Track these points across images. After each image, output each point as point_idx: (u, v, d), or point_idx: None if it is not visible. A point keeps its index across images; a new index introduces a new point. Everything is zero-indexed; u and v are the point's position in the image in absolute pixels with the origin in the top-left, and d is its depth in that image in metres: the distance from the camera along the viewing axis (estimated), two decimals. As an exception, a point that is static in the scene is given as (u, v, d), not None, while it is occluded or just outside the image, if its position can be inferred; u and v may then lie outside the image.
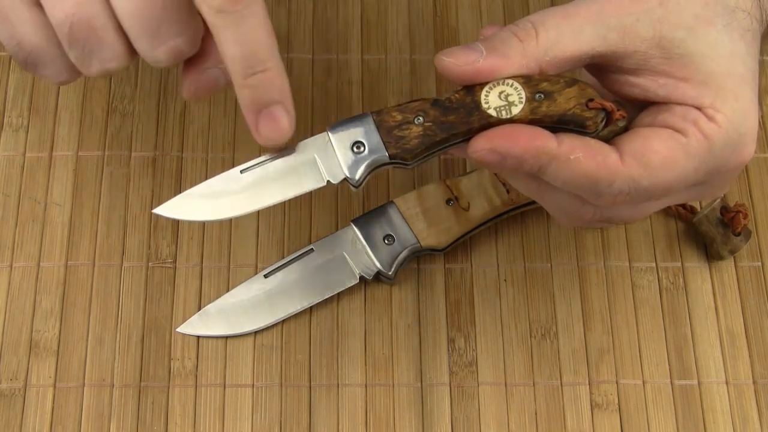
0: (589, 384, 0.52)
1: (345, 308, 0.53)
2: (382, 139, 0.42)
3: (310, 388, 0.52)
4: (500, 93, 0.40)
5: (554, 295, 0.54)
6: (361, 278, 0.52)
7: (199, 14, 0.40)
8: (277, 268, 0.53)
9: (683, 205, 0.55)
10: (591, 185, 0.40)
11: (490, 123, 0.40)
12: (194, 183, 0.55)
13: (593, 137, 0.40)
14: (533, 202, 0.54)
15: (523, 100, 0.40)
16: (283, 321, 0.53)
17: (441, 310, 0.53)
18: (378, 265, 0.52)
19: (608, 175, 0.39)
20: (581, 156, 0.39)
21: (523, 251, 0.55)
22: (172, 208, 0.45)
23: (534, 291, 0.54)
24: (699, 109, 0.40)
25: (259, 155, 0.44)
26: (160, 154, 0.56)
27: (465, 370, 0.52)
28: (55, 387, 0.51)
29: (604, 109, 0.40)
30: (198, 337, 0.52)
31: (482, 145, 0.40)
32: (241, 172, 0.45)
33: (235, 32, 0.39)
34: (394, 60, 0.59)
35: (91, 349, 0.52)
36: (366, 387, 0.52)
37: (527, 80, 0.40)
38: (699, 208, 0.55)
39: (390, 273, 0.52)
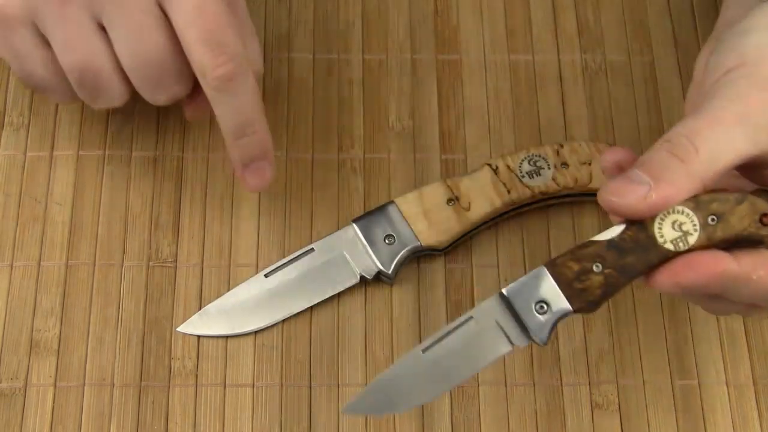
0: (590, 384, 0.52)
1: (345, 308, 0.53)
2: (563, 293, 0.40)
3: (310, 387, 0.52)
4: (673, 223, 0.39)
5: (554, 295, 0.54)
6: (362, 278, 0.52)
7: None
8: (277, 267, 0.53)
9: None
10: None
11: (668, 257, 0.39)
12: (194, 183, 0.55)
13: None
14: (534, 202, 0.54)
15: (698, 227, 0.38)
16: (284, 321, 0.53)
17: (441, 310, 0.53)
18: (378, 264, 0.52)
19: None
20: (762, 273, 0.38)
21: (524, 251, 0.55)
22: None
23: (534, 291, 0.54)
24: None
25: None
26: (160, 154, 0.56)
27: (465, 370, 0.52)
28: (55, 386, 0.51)
29: None
30: (198, 336, 0.52)
31: (666, 281, 0.39)
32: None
33: (228, 104, 0.47)
34: (394, 60, 0.59)
35: (91, 349, 0.52)
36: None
37: (697, 204, 0.39)
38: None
39: (390, 273, 0.52)
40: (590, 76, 0.59)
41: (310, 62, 0.59)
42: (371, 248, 0.52)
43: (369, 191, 0.56)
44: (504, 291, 0.41)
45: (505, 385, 0.52)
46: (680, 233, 0.39)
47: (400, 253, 0.52)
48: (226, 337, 0.52)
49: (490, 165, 0.54)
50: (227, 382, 0.51)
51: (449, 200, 0.53)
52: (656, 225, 0.39)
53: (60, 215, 0.54)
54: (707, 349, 0.53)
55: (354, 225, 0.53)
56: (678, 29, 0.61)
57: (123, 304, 0.53)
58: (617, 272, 0.40)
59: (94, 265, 0.54)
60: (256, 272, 0.53)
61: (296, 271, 0.53)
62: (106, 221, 0.54)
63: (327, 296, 0.53)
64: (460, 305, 0.53)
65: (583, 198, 0.54)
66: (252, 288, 0.53)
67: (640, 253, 0.39)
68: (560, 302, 0.40)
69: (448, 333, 0.41)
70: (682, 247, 0.39)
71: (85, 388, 0.51)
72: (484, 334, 0.41)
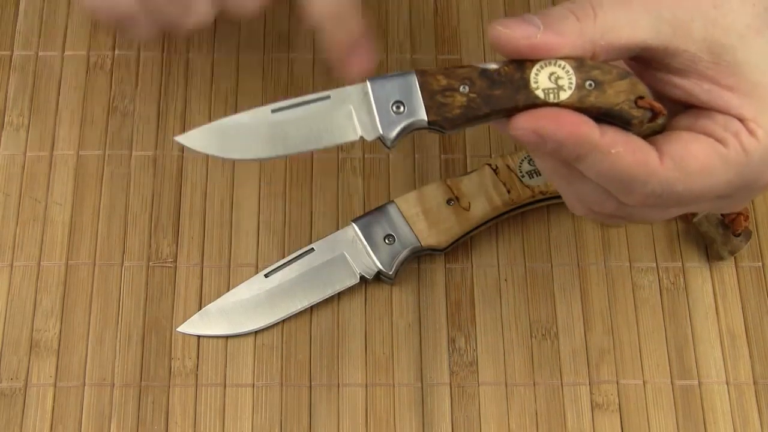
0: (590, 384, 0.52)
1: (345, 308, 0.53)
2: (423, 102, 0.40)
3: (310, 387, 0.52)
4: (551, 74, 0.39)
5: (555, 295, 0.54)
6: (362, 278, 0.52)
7: None
8: (277, 267, 0.53)
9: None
10: (625, 181, 0.39)
11: (536, 104, 0.39)
12: (194, 183, 0.55)
13: (633, 133, 0.40)
14: (534, 202, 0.54)
15: (573, 85, 0.39)
16: (284, 321, 0.53)
17: (441, 310, 0.53)
18: (378, 264, 0.52)
19: (645, 174, 0.39)
20: (622, 150, 0.39)
21: (524, 251, 0.55)
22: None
23: (534, 291, 0.54)
24: (741, 120, 0.39)
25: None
26: (160, 154, 0.56)
27: (465, 370, 0.52)
28: (55, 386, 0.51)
29: (651, 109, 0.39)
30: (198, 336, 0.52)
31: (526, 124, 0.39)
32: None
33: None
34: (394, 60, 0.59)
35: (91, 349, 0.52)
36: (366, 387, 0.52)
37: (579, 64, 0.39)
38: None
39: (390, 273, 0.52)
40: (590, 76, 0.59)
41: (309, 62, 0.59)
42: (371, 248, 0.52)
43: (369, 191, 0.56)
44: (368, 81, 0.41)
45: (505, 385, 0.52)
46: (554, 86, 0.39)
47: (400, 253, 0.52)
48: (226, 337, 0.52)
49: (490, 165, 0.54)
50: (227, 382, 0.51)
51: (449, 200, 0.53)
52: (534, 70, 0.39)
53: (60, 215, 0.54)
54: (707, 349, 0.53)
55: (354, 225, 0.53)
56: (678, 29, 0.61)
57: (123, 304, 0.53)
58: (481, 99, 0.39)
59: (94, 265, 0.54)
60: (256, 272, 0.53)
61: (296, 271, 0.53)
62: (106, 221, 0.54)
63: (327, 296, 0.53)
64: (460, 305, 0.53)
65: (583, 198, 0.54)
66: (252, 288, 0.53)
67: (509, 89, 0.39)
68: (418, 109, 0.40)
69: (302, 103, 0.41)
70: (551, 98, 0.39)
71: (85, 388, 0.51)
72: (334, 115, 0.41)
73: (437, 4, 0.61)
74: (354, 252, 0.53)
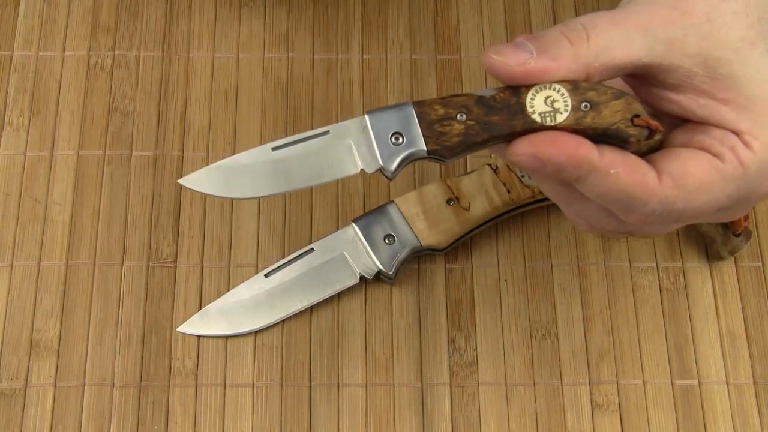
0: (590, 384, 0.52)
1: (345, 308, 0.53)
2: (422, 133, 0.40)
3: (310, 387, 0.52)
4: (546, 98, 0.39)
5: (555, 295, 0.54)
6: (362, 278, 0.52)
7: None
8: (277, 267, 0.53)
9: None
10: (625, 201, 0.39)
11: (534, 128, 0.39)
12: (195, 182, 0.55)
13: (631, 152, 0.40)
14: (534, 202, 0.54)
15: (569, 108, 0.39)
16: (284, 321, 0.53)
17: (441, 310, 0.53)
18: (378, 264, 0.52)
19: (645, 194, 0.39)
20: (621, 171, 0.39)
21: (524, 251, 0.55)
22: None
23: (534, 291, 0.54)
24: (736, 134, 0.39)
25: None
26: (160, 154, 0.56)
27: (465, 370, 0.52)
28: (55, 386, 0.51)
29: (648, 126, 0.39)
30: (198, 336, 0.52)
31: (525, 149, 0.39)
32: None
33: None
34: (394, 60, 0.59)
35: (91, 349, 0.52)
36: (366, 387, 0.52)
37: (574, 87, 0.39)
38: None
39: (390, 273, 0.52)
40: (590, 76, 0.59)
41: (309, 62, 0.59)
42: (371, 248, 0.52)
43: (369, 191, 0.56)
44: (366, 114, 0.41)
45: (505, 385, 0.52)
46: (550, 109, 0.39)
47: (400, 253, 0.52)
48: (226, 337, 0.52)
49: (489, 165, 0.54)
50: (227, 382, 0.51)
51: (449, 200, 0.53)
52: (529, 94, 0.39)
53: (60, 215, 0.55)
54: (707, 349, 0.53)
55: (354, 225, 0.53)
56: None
57: (123, 304, 0.53)
58: (479, 126, 0.40)
59: (94, 265, 0.54)
60: (256, 272, 0.53)
61: (296, 271, 0.53)
62: (106, 221, 0.55)
63: (327, 296, 0.53)
64: (460, 305, 0.53)
65: (583, 198, 0.54)
66: (252, 288, 0.53)
67: (506, 115, 0.39)
68: (417, 139, 0.40)
69: (303, 139, 0.42)
70: (548, 122, 0.39)
71: (85, 388, 0.51)
72: (335, 150, 0.41)
73: (437, 4, 0.61)
74: (354, 252, 0.53)
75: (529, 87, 0.39)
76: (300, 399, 0.51)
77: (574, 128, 0.39)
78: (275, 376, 0.52)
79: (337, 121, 0.57)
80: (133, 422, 0.50)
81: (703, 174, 0.39)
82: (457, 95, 0.41)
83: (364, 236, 0.53)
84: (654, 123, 0.39)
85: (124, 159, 0.56)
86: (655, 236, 0.54)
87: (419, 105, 0.41)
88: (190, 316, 0.52)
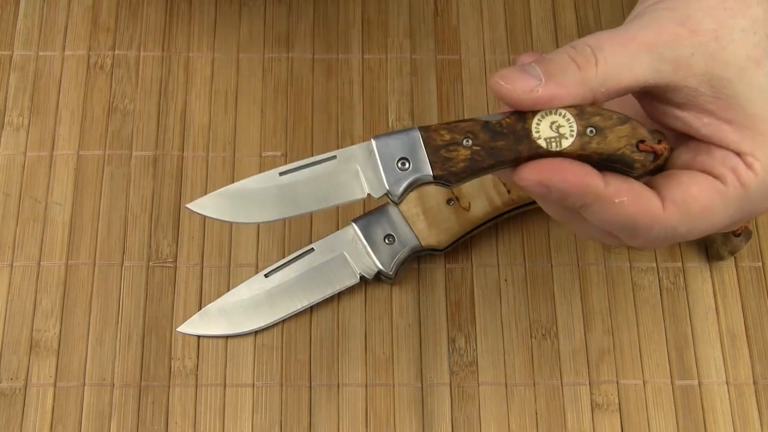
0: (590, 384, 0.52)
1: (345, 308, 0.53)
2: (428, 158, 0.41)
3: (310, 387, 0.52)
4: (552, 123, 0.39)
5: (555, 295, 0.54)
6: (362, 278, 0.52)
7: None
8: (277, 267, 0.53)
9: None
10: (630, 228, 0.40)
11: (539, 154, 0.39)
12: (195, 182, 0.55)
13: (637, 175, 0.40)
14: (534, 202, 0.54)
15: (575, 133, 0.39)
16: (284, 321, 0.53)
17: (441, 310, 0.53)
18: (378, 264, 0.52)
19: (649, 222, 0.39)
20: (626, 200, 0.39)
21: (524, 251, 0.55)
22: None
23: (534, 291, 0.54)
24: (739, 154, 0.39)
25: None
26: (160, 154, 0.56)
27: (465, 370, 0.52)
28: (55, 386, 0.51)
29: (653, 151, 0.39)
30: (198, 336, 0.52)
31: (531, 176, 0.39)
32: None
33: None
34: (394, 60, 0.59)
35: (91, 349, 0.52)
36: (366, 387, 0.52)
37: (580, 112, 0.39)
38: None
39: (390, 273, 0.52)
40: (590, 76, 0.59)
41: (309, 62, 0.59)
42: (371, 248, 0.52)
43: (369, 191, 0.56)
44: (373, 139, 0.41)
45: (505, 385, 0.52)
46: (556, 134, 0.39)
47: (400, 253, 0.52)
48: (226, 337, 0.52)
49: (490, 165, 0.54)
50: (227, 382, 0.51)
51: (449, 200, 0.53)
52: (535, 120, 0.39)
53: (60, 215, 0.55)
54: (707, 349, 0.53)
55: (354, 225, 0.53)
56: (678, 29, 0.61)
57: (123, 304, 0.53)
58: (485, 152, 0.40)
59: (94, 264, 0.54)
60: (256, 272, 0.53)
61: (296, 271, 0.53)
62: (106, 221, 0.55)
63: (327, 296, 0.53)
64: (460, 305, 0.53)
65: (583, 198, 0.54)
66: (252, 288, 0.53)
67: (511, 140, 0.40)
68: (423, 164, 0.41)
69: (310, 164, 0.42)
70: (554, 147, 0.39)
71: (85, 388, 0.51)
72: (341, 174, 0.42)
73: (437, 4, 0.61)
74: (354, 252, 0.53)
75: (535, 112, 0.39)
76: (300, 399, 0.51)
77: (579, 153, 0.39)
78: (275, 376, 0.52)
79: (337, 121, 0.57)
80: (133, 422, 0.50)
81: (706, 199, 0.39)
82: (463, 120, 0.41)
83: (364, 236, 0.53)
84: (659, 148, 0.39)
85: (124, 159, 0.56)
86: (657, 249, 0.54)
87: (425, 130, 0.41)
88: (190, 316, 0.52)
